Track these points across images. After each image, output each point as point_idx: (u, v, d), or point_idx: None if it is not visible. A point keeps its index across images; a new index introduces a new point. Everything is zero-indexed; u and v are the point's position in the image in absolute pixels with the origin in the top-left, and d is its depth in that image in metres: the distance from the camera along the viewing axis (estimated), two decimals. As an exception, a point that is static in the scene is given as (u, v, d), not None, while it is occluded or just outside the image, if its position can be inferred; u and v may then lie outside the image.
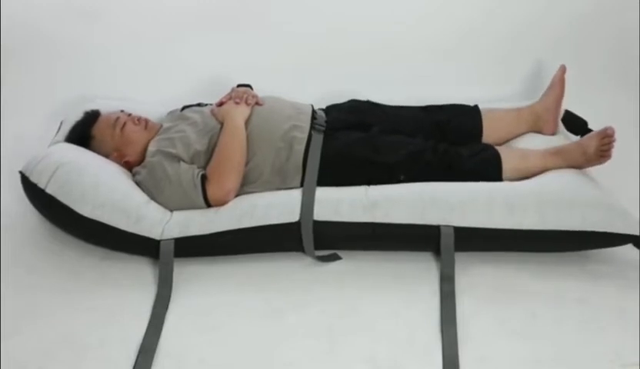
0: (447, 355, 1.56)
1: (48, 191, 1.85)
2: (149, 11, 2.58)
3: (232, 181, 1.88)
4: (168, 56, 2.59)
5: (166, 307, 1.69)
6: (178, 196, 1.87)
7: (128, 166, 2.02)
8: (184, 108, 2.21)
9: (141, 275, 1.81)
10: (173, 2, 2.59)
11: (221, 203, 1.87)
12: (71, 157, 1.93)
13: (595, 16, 2.59)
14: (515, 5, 2.59)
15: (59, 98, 2.49)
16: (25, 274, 1.83)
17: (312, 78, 2.51)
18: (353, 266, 1.83)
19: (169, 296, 1.73)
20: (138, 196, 1.88)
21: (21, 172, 1.91)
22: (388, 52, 2.58)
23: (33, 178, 1.88)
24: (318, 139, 1.98)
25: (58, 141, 2.10)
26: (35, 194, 1.88)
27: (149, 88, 2.47)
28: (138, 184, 1.94)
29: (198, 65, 2.57)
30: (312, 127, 2.01)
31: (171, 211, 1.89)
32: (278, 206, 1.82)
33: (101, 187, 1.85)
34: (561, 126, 2.20)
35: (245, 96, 2.05)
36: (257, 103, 2.06)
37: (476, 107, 2.20)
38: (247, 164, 1.93)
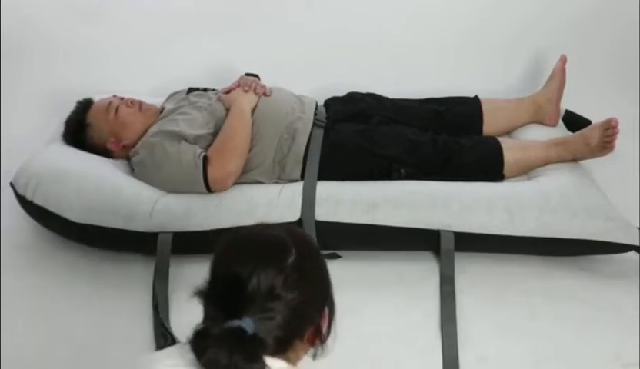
0: (447, 355, 1.56)
1: (36, 202, 1.84)
2: (150, 10, 2.58)
3: (234, 163, 1.85)
4: (168, 55, 2.59)
5: (166, 309, 1.68)
6: (177, 176, 1.84)
7: (126, 151, 1.99)
8: (190, 90, 2.19)
9: (139, 274, 1.81)
10: (173, 2, 2.59)
11: (221, 186, 1.84)
12: (54, 165, 1.90)
13: (595, 16, 2.59)
14: (515, 6, 2.59)
15: (59, 97, 2.48)
16: (24, 274, 1.83)
17: (314, 77, 2.50)
18: (353, 266, 1.83)
19: (166, 293, 1.72)
20: (128, 192, 1.84)
21: (11, 184, 1.91)
22: (390, 49, 2.58)
23: (20, 191, 1.87)
24: (319, 134, 1.98)
25: (54, 139, 2.09)
26: (26, 204, 1.88)
27: (150, 86, 2.46)
28: (135, 165, 1.92)
29: (200, 63, 2.56)
30: (313, 122, 2.01)
31: (168, 192, 1.85)
32: (278, 206, 1.81)
33: (87, 191, 1.82)
34: (561, 121, 2.20)
35: (254, 85, 2.05)
36: (264, 94, 2.05)
37: (476, 97, 2.20)
38: (250, 150, 1.91)
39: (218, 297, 0.92)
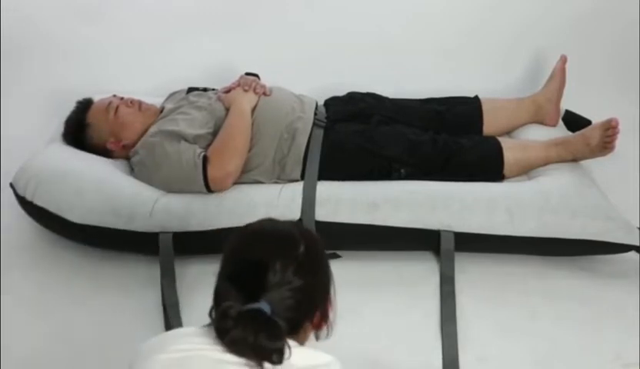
0: (447, 355, 1.56)
1: (37, 202, 1.84)
2: (150, 10, 2.58)
3: (234, 163, 1.85)
4: (168, 55, 2.59)
5: (177, 305, 1.68)
6: (176, 175, 1.83)
7: (126, 151, 1.99)
8: (189, 90, 2.19)
9: (140, 274, 1.81)
10: (173, 2, 2.59)
11: (221, 186, 1.84)
12: (54, 165, 1.90)
13: (595, 16, 2.59)
14: (515, 6, 2.59)
15: (59, 97, 2.48)
16: (24, 275, 1.83)
17: (314, 77, 2.50)
18: (353, 266, 1.83)
19: (175, 292, 1.71)
20: (128, 192, 1.84)
21: (11, 184, 1.90)
22: (390, 49, 2.58)
23: (20, 191, 1.87)
24: (319, 134, 1.98)
25: (54, 139, 2.09)
26: (26, 205, 1.87)
27: (150, 86, 2.46)
28: (135, 165, 1.92)
29: (200, 63, 2.56)
30: (313, 122, 2.01)
31: (168, 192, 1.85)
32: (278, 206, 1.81)
33: (87, 191, 1.82)
34: (561, 121, 2.20)
35: (254, 84, 2.04)
36: (264, 93, 2.05)
37: (476, 97, 2.20)
38: (250, 150, 1.91)
39: (238, 282, 1.01)
